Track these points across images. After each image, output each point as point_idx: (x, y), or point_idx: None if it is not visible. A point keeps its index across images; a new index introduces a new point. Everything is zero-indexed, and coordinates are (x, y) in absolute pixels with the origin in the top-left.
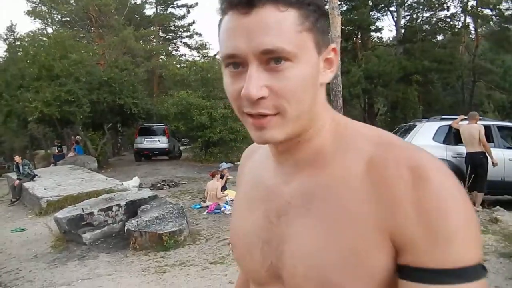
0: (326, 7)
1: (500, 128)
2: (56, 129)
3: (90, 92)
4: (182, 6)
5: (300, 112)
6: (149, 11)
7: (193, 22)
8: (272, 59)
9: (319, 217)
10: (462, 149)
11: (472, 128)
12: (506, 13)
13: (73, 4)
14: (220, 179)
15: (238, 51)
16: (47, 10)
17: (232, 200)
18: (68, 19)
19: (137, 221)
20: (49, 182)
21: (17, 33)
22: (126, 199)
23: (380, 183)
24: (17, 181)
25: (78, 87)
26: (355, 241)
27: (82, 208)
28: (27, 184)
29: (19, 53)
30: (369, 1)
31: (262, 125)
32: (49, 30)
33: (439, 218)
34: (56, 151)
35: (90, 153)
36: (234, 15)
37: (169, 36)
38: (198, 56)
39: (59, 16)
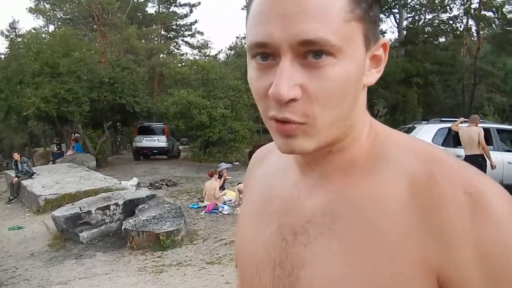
0: None
1: (499, 131)
2: (56, 127)
3: (90, 91)
4: (185, 5)
5: (337, 119)
6: (151, 9)
7: (196, 21)
8: (311, 52)
9: (345, 241)
10: (461, 152)
11: (471, 130)
12: (508, 16)
13: (76, 1)
14: (218, 179)
15: (270, 39)
16: (49, 8)
17: (230, 200)
18: (71, 16)
19: (135, 221)
20: (48, 180)
21: (19, 30)
22: (124, 198)
23: (428, 208)
24: (16, 179)
25: (80, 86)
26: (389, 276)
27: (80, 207)
28: (25, 182)
29: (20, 50)
30: None
31: (288, 132)
32: (51, 27)
33: (503, 264)
34: (55, 149)
35: (89, 152)
36: None
37: (170, 34)
38: (199, 55)
39: (61, 14)
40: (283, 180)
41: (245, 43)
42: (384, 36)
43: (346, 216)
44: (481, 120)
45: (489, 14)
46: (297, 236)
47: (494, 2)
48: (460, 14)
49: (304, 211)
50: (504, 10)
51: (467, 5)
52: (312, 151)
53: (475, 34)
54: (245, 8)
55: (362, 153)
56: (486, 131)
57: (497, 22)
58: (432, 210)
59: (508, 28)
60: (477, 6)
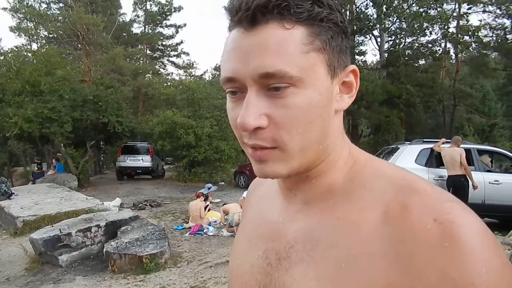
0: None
1: (480, 151)
2: (37, 146)
3: (73, 109)
4: (171, 26)
5: (305, 145)
6: (137, 29)
7: (181, 42)
8: (272, 84)
9: (321, 267)
10: (444, 172)
11: (453, 151)
12: (484, 40)
13: (61, 20)
14: (204, 201)
15: (235, 75)
16: (32, 27)
17: (215, 221)
18: (55, 35)
19: (117, 243)
20: (27, 201)
21: (1, 48)
22: (106, 220)
23: (398, 237)
24: None
25: (62, 105)
26: None
27: (60, 229)
28: (3, 203)
29: (1, 68)
30: (353, 26)
31: (261, 158)
32: (34, 46)
33: None
34: (36, 168)
35: (71, 171)
36: (237, 33)
37: (156, 54)
38: (185, 75)
39: (45, 33)
40: (271, 206)
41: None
42: (365, 57)
43: (323, 242)
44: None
45: (466, 38)
46: (281, 261)
47: (470, 27)
48: (439, 38)
49: (287, 237)
50: (479, 34)
51: (445, 29)
52: (286, 175)
53: (453, 57)
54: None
55: (340, 179)
56: (467, 151)
57: (474, 46)
58: (401, 239)
59: (485, 52)
60: (454, 31)
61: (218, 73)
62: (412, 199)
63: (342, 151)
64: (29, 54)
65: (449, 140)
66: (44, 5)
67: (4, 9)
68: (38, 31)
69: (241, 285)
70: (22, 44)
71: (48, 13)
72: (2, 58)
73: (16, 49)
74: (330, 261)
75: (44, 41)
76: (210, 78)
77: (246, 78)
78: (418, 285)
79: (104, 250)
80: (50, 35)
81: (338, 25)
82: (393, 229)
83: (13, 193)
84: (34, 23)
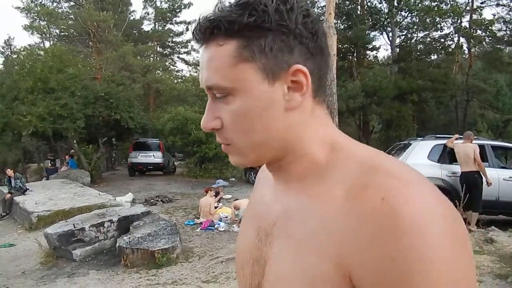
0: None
1: (494, 147)
2: (50, 143)
3: (85, 106)
4: (181, 22)
5: (254, 144)
6: (147, 27)
7: (191, 39)
8: (216, 93)
9: (293, 241)
10: (457, 168)
11: (467, 147)
12: (498, 34)
13: (72, 18)
14: (214, 196)
15: (201, 85)
16: (45, 25)
17: (226, 217)
18: (66, 33)
19: (129, 238)
20: (41, 197)
21: (14, 47)
22: (119, 215)
23: (354, 213)
24: (8, 195)
25: (74, 101)
26: (314, 272)
27: (73, 224)
28: (18, 198)
29: (15, 66)
30: (368, 20)
31: (225, 151)
32: (47, 44)
33: (398, 274)
34: (49, 165)
35: (84, 167)
36: (201, 49)
37: (166, 51)
38: (196, 72)
39: (57, 31)
40: (267, 188)
41: None
42: (377, 52)
43: (295, 219)
44: (475, 137)
45: (479, 32)
46: (267, 237)
47: (483, 21)
48: (451, 32)
49: (272, 215)
50: (493, 28)
51: (457, 24)
52: (249, 165)
53: (466, 52)
54: None
55: (316, 164)
56: (481, 147)
57: (487, 40)
58: (355, 216)
59: (498, 46)
60: (467, 25)
61: None
62: (371, 178)
63: (312, 141)
64: (41, 52)
65: (462, 136)
66: (54, 3)
67: (18, 8)
68: (50, 29)
69: (242, 260)
70: (35, 43)
71: (59, 11)
72: (15, 56)
73: (28, 48)
74: (297, 236)
75: (56, 39)
76: None
77: (203, 88)
78: (366, 261)
79: (117, 245)
80: (62, 33)
81: (277, 27)
82: (351, 206)
83: (28, 189)
84: (46, 21)
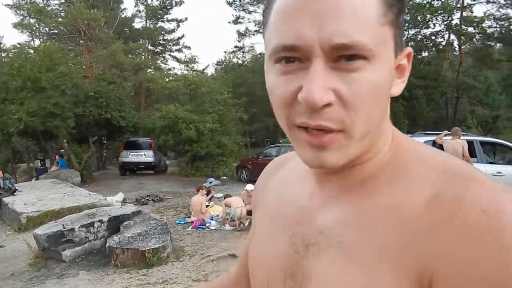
0: None
1: (482, 143)
2: (40, 142)
3: (75, 105)
4: (172, 20)
5: (369, 129)
6: (138, 24)
7: (183, 36)
8: (344, 55)
9: (352, 255)
10: None
11: (455, 143)
12: (488, 31)
13: (63, 15)
14: (206, 195)
15: (301, 42)
16: (34, 22)
17: (217, 216)
18: (56, 31)
19: (119, 238)
20: (30, 197)
21: (3, 45)
22: (109, 215)
23: (441, 225)
24: None
25: (64, 100)
26: None
27: (63, 224)
28: (7, 199)
29: (4, 66)
30: None
31: (323, 143)
32: (37, 42)
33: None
34: (39, 164)
35: (74, 167)
36: None
37: (157, 49)
38: (187, 70)
39: (47, 29)
40: (299, 189)
41: (255, 49)
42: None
43: (355, 228)
44: (464, 133)
45: (470, 29)
46: (308, 247)
47: (474, 18)
48: (442, 30)
49: (317, 222)
50: (483, 25)
51: (448, 21)
52: (342, 166)
53: (457, 49)
54: (231, 23)
55: (382, 165)
56: (470, 143)
57: (478, 37)
58: (444, 229)
59: (489, 43)
60: (458, 22)
61: (219, 67)
62: (465, 187)
63: (388, 136)
64: (31, 51)
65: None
66: (44, 0)
67: (7, 5)
68: (40, 27)
69: (266, 273)
70: (25, 41)
71: (49, 8)
72: (4, 55)
73: (18, 46)
74: (361, 248)
75: (45, 37)
76: (212, 72)
77: (314, 47)
78: (457, 279)
79: (107, 245)
80: (51, 31)
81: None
82: (437, 217)
83: (17, 189)
84: (36, 19)
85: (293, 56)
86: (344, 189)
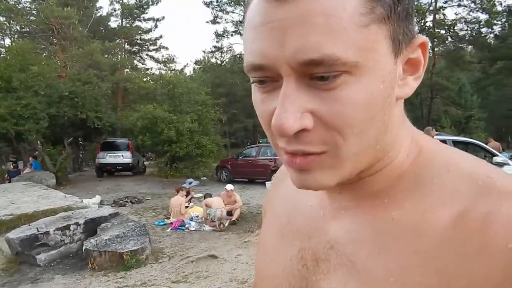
0: None
1: (455, 142)
2: (12, 144)
3: (49, 106)
4: (149, 19)
5: (362, 148)
6: (114, 23)
7: (161, 36)
8: (318, 72)
9: (365, 278)
10: None
11: None
12: (460, 34)
13: (34, 13)
14: (185, 196)
15: (267, 60)
16: (4, 21)
17: (197, 216)
18: (28, 29)
19: (96, 240)
20: (2, 200)
21: None
22: (85, 217)
23: (470, 249)
24: None
25: (37, 101)
26: None
27: (37, 228)
28: None
29: None
30: None
31: (304, 167)
32: (7, 41)
33: None
34: (11, 167)
35: (49, 169)
36: (263, 2)
37: (135, 49)
38: (165, 70)
39: (18, 27)
40: (308, 199)
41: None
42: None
43: (368, 246)
44: (437, 132)
45: (442, 31)
46: (318, 263)
47: (446, 21)
48: (416, 32)
49: (327, 235)
50: (455, 28)
51: (421, 23)
52: (335, 185)
53: (430, 51)
54: (210, 22)
55: (400, 174)
56: (443, 142)
57: (450, 39)
58: (474, 254)
59: (460, 45)
60: (431, 24)
61: (198, 67)
62: (497, 205)
63: (402, 143)
64: (2, 49)
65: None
66: None
67: None
68: (11, 25)
69: (272, 287)
70: None
71: (20, 6)
72: None
73: None
74: (376, 272)
75: (16, 36)
76: (191, 73)
77: (281, 65)
78: None
79: (84, 248)
80: (23, 30)
81: None
82: (466, 240)
83: None
84: (6, 17)
85: (264, 76)
86: (355, 201)
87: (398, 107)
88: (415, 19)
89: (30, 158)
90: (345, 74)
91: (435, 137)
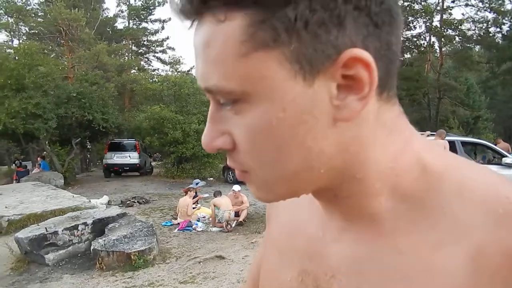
0: None
1: (463, 143)
2: (21, 144)
3: (57, 106)
4: (156, 21)
5: (284, 175)
6: (121, 25)
7: (167, 38)
8: (218, 99)
9: None
10: None
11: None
12: (467, 33)
13: (42, 15)
14: (193, 197)
15: (198, 82)
16: (13, 22)
17: (204, 217)
18: (36, 31)
19: (104, 240)
20: (11, 200)
21: None
22: (93, 217)
23: (490, 280)
24: None
25: (47, 101)
26: None
27: (46, 227)
28: None
29: None
30: None
31: (242, 179)
32: (16, 42)
33: None
34: (14, 165)
35: (57, 169)
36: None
37: (141, 50)
38: (171, 71)
39: (26, 28)
40: (308, 215)
41: None
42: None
43: (374, 282)
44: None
45: (450, 31)
46: None
47: (453, 20)
48: (423, 32)
49: (329, 260)
50: (463, 27)
51: (429, 23)
52: (278, 200)
53: (437, 51)
54: None
55: (398, 198)
56: (451, 143)
57: (457, 39)
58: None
59: (468, 45)
60: (438, 24)
61: None
62: None
63: (383, 161)
64: (11, 50)
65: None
66: None
67: None
68: (19, 26)
69: None
70: (4, 41)
71: (28, 8)
72: None
73: None
74: None
75: (25, 37)
76: None
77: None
78: None
79: (92, 247)
80: (31, 31)
81: None
82: (484, 274)
83: None
84: (15, 18)
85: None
86: (349, 221)
87: (356, 126)
88: (352, 24)
89: (39, 158)
90: (241, 102)
91: (445, 138)
